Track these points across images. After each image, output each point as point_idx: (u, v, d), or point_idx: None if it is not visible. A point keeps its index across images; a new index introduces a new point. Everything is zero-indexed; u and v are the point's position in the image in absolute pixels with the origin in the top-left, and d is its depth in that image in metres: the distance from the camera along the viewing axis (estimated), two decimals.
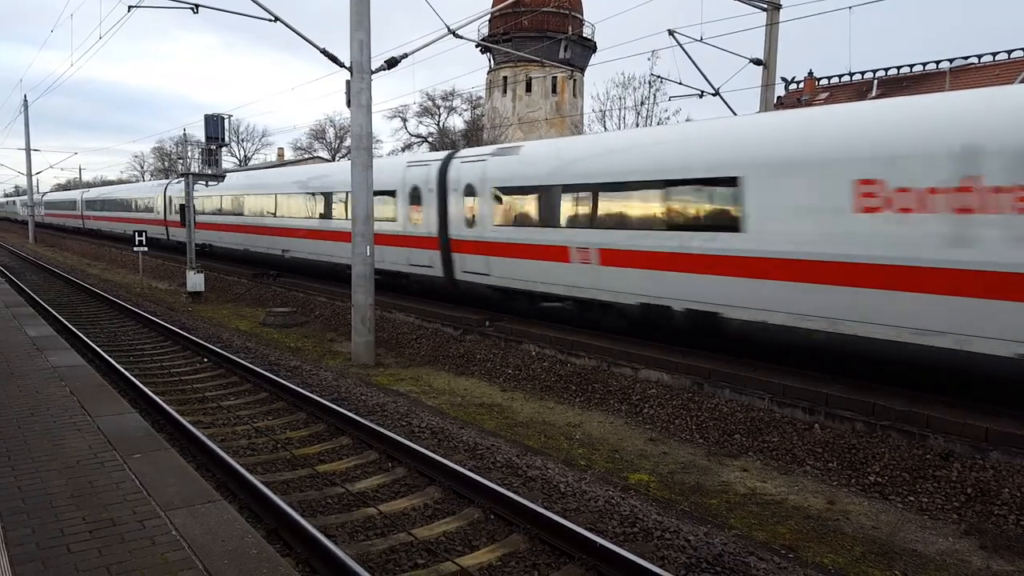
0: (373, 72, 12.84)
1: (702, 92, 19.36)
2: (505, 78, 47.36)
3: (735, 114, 18.58)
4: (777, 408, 8.72)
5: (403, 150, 53.24)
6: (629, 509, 6.18)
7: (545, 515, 5.65)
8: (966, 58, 27.37)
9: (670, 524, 5.89)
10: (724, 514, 6.47)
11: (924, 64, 28.74)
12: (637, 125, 32.20)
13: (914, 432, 7.50)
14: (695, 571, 5.15)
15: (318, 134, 63.93)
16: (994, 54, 26.66)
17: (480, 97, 51.26)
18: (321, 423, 8.60)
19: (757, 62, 18.64)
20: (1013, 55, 26.15)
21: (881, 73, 29.78)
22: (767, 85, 18.89)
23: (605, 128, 34.73)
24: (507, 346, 12.57)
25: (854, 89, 29.75)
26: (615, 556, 5.01)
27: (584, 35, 45.93)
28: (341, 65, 13.00)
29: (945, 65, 27.48)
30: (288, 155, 64.32)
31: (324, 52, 13.23)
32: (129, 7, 14.68)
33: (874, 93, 27.89)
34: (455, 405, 10.02)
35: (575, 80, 47.93)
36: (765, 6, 18.02)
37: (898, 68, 29.50)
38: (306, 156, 59.38)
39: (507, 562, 5.26)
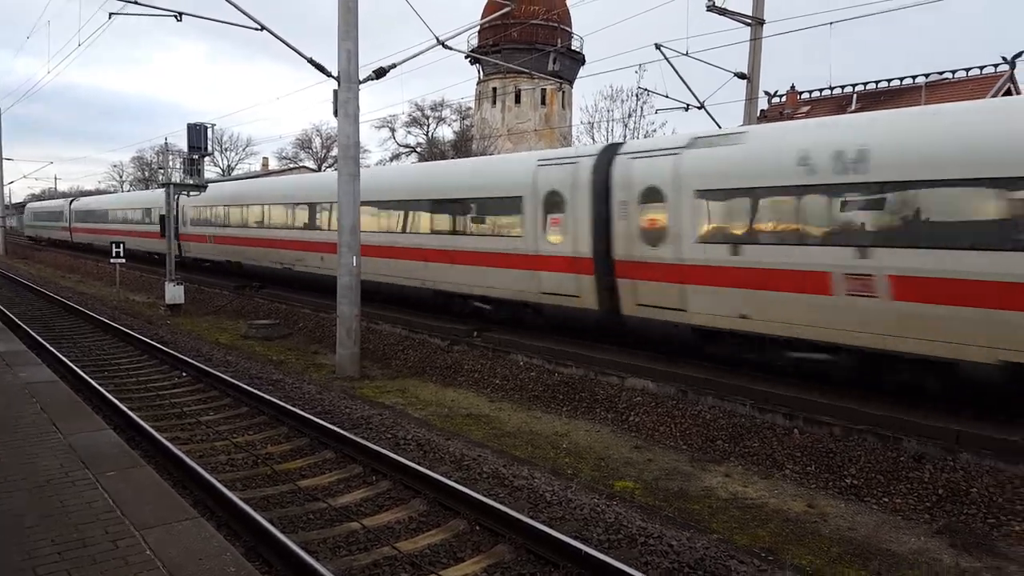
0: (361, 82, 12.78)
1: (688, 105, 19.66)
2: (494, 89, 47.70)
3: (719, 126, 18.84)
4: (758, 414, 8.87)
5: (391, 160, 53.30)
6: (614, 516, 6.27)
7: (531, 525, 5.68)
8: (941, 73, 27.87)
9: (654, 530, 5.98)
10: (707, 519, 6.59)
11: (901, 79, 29.26)
12: (625, 138, 32.51)
13: (889, 435, 7.69)
14: None
15: (304, 143, 63.76)
16: (967, 70, 27.18)
17: (469, 108, 51.52)
18: (304, 437, 8.54)
19: (741, 76, 18.94)
20: (985, 71, 26.68)
21: (860, 87, 30.29)
22: (751, 99, 19.18)
23: (594, 140, 35.02)
24: (495, 356, 12.66)
25: (835, 103, 30.20)
26: (599, 563, 5.09)
27: (573, 48, 46.40)
28: (328, 75, 13.04)
29: (921, 80, 27.99)
30: (272, 165, 63.93)
31: (311, 61, 13.30)
32: (110, 14, 14.57)
33: (853, 107, 28.33)
34: (442, 416, 10.09)
35: (564, 92, 48.34)
36: (749, 21, 18.35)
37: (876, 83, 30.02)
38: (291, 166, 59.08)
39: (492, 573, 5.29)
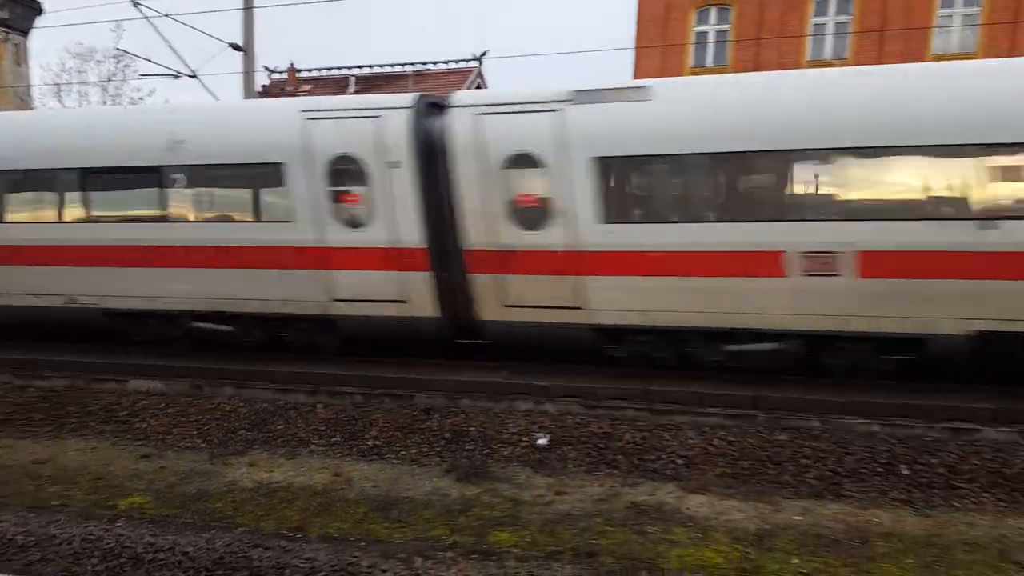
0: None
1: (178, 73, 17.96)
2: None
3: (216, 99, 17.76)
4: (281, 396, 8.76)
5: None
6: (115, 540, 5.56)
7: None
8: (424, 63, 31.70)
9: (165, 542, 5.48)
10: (230, 514, 6.19)
11: (393, 65, 32.26)
12: (105, 103, 28.24)
13: (403, 394, 8.43)
14: None
15: None
16: (447, 62, 31.51)
17: None
18: None
19: (236, 47, 18.07)
20: (460, 64, 31.36)
21: (358, 70, 32.34)
22: (248, 72, 18.50)
23: (62, 104, 29.52)
24: None
25: (335, 84, 31.63)
26: None
27: None
28: None
29: (410, 68, 31.38)
30: None
31: None
32: None
33: (352, 89, 30.12)
34: None
35: (17, 45, 39.27)
36: None
37: (371, 67, 32.43)
38: None
39: None
